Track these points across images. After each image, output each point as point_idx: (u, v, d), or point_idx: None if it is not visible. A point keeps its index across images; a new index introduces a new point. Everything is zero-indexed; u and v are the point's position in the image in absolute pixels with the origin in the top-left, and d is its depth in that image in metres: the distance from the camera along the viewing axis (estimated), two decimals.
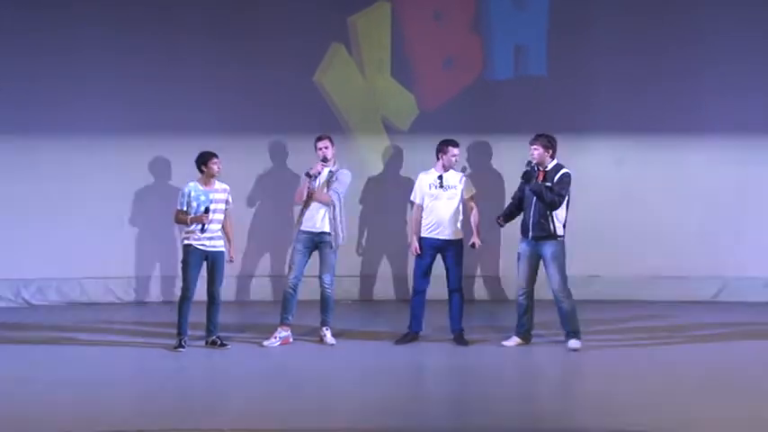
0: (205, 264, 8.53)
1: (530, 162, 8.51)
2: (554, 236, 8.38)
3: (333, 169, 8.70)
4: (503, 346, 8.54)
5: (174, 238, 10.72)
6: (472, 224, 8.74)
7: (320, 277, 8.67)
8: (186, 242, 8.50)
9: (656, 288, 11.07)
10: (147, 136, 11.06)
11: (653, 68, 11.16)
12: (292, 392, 7.10)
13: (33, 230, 10.89)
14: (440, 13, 11.38)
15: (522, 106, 11.15)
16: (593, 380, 7.54)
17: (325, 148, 8.66)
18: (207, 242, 8.47)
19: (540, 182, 8.38)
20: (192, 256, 8.46)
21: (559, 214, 8.39)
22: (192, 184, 8.52)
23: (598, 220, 10.89)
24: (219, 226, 8.56)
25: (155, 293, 11.17)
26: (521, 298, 8.56)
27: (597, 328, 9.15)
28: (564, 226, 8.45)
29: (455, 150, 8.71)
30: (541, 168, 8.48)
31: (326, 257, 8.65)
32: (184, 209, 8.47)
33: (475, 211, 8.75)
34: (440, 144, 8.78)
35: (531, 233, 8.42)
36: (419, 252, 8.63)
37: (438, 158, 8.75)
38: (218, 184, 8.57)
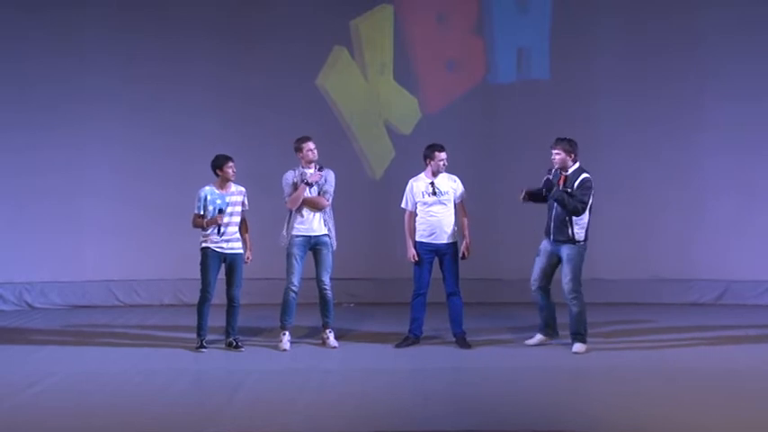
0: (224, 267, 8.55)
1: (550, 169, 8.48)
2: (573, 240, 8.38)
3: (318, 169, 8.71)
4: (526, 344, 8.62)
5: (175, 241, 10.72)
6: (463, 231, 8.68)
7: (320, 279, 8.65)
8: (204, 245, 8.51)
9: (658, 291, 11.07)
10: (149, 139, 11.09)
11: (655, 71, 11.15)
12: (293, 396, 7.08)
13: (36, 234, 10.91)
14: (442, 16, 11.39)
15: (525, 109, 11.15)
16: (592, 383, 7.51)
17: (313, 150, 8.65)
18: (224, 245, 8.48)
19: (560, 188, 8.35)
20: (209, 259, 8.47)
21: (581, 219, 8.38)
22: (207, 188, 8.53)
23: (598, 222, 10.87)
24: (237, 228, 8.57)
25: (157, 297, 11.17)
26: (534, 294, 8.60)
27: (598, 331, 9.13)
28: (586, 231, 8.43)
29: (442, 155, 8.61)
30: (563, 173, 8.44)
31: (325, 258, 8.65)
32: (201, 213, 8.47)
33: (466, 219, 8.71)
34: (426, 149, 8.70)
35: (552, 236, 8.44)
36: (417, 259, 8.63)
37: (426, 164, 8.71)
38: (234, 187, 8.59)
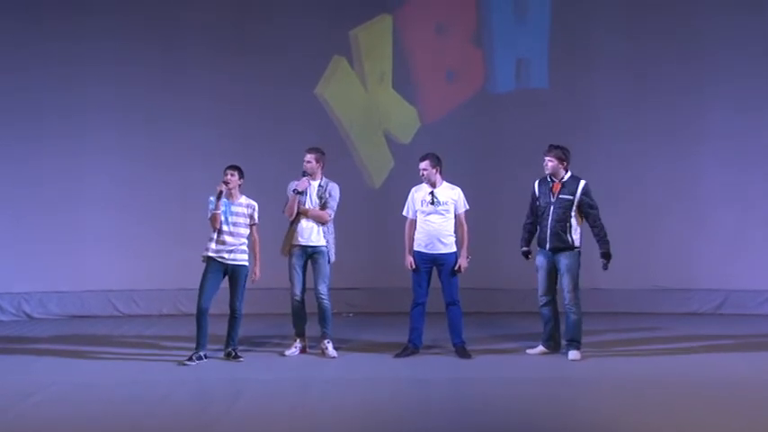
0: (227, 278, 8.52)
1: (527, 241, 8.60)
2: (571, 247, 8.43)
3: (322, 183, 8.71)
4: (526, 353, 8.64)
5: (174, 251, 10.72)
6: (462, 243, 8.66)
7: (316, 289, 8.67)
8: (204, 254, 8.48)
9: (658, 301, 11.06)
10: (148, 149, 11.08)
11: (654, 81, 11.17)
12: (293, 405, 7.07)
13: (34, 244, 10.89)
14: (441, 26, 11.41)
15: (524, 119, 11.16)
16: (592, 392, 7.49)
17: (308, 162, 8.68)
18: (226, 255, 8.45)
19: (555, 195, 8.41)
20: (209, 267, 8.45)
21: (577, 224, 8.45)
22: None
23: None
24: (242, 240, 8.52)
25: (156, 307, 11.15)
26: (542, 309, 8.63)
27: (599, 340, 9.13)
28: (581, 236, 8.49)
29: (420, 165, 8.61)
30: (557, 180, 8.49)
31: (321, 268, 8.67)
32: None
33: (465, 229, 8.68)
34: None
35: (548, 244, 8.47)
36: (414, 267, 8.62)
37: None
38: (243, 199, 8.58)
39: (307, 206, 8.66)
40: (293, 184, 8.70)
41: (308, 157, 8.72)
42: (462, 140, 11.13)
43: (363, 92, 11.42)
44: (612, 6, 11.34)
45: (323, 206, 8.68)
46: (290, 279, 8.70)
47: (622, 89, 11.25)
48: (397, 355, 8.63)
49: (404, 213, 8.75)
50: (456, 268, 8.61)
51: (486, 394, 7.38)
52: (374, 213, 11.03)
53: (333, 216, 8.72)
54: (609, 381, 7.80)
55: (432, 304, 8.72)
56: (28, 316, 10.95)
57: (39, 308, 11.02)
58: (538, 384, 7.67)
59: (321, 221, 8.66)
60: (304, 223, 8.65)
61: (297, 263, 8.67)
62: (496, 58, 11.36)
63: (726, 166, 11.14)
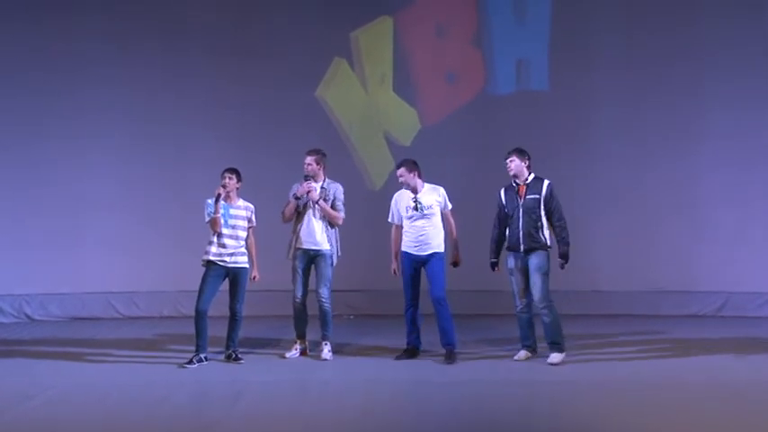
0: (228, 280, 8.53)
1: (495, 252, 8.49)
2: (544, 246, 8.40)
3: (324, 185, 8.71)
4: (514, 360, 8.54)
5: (174, 253, 10.72)
6: (451, 241, 8.66)
7: (317, 291, 8.68)
8: (205, 257, 8.47)
9: (658, 303, 11.05)
10: (149, 152, 11.10)
11: (654, 82, 11.18)
12: (293, 407, 7.08)
13: (35, 246, 10.91)
14: (442, 28, 11.42)
15: (524, 120, 11.16)
16: (592, 395, 7.49)
17: (308, 164, 8.67)
18: (227, 258, 8.45)
19: (523, 199, 8.35)
20: (209, 271, 8.44)
21: (546, 224, 8.41)
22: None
23: (598, 234, 10.88)
24: (241, 243, 8.54)
25: (157, 309, 11.16)
26: (522, 313, 8.56)
27: (598, 342, 9.13)
28: (551, 236, 8.45)
29: (397, 172, 8.64)
30: (520, 182, 8.46)
31: (323, 271, 8.67)
32: (213, 216, 8.46)
33: (452, 226, 8.68)
34: None
35: (522, 246, 8.40)
36: (397, 273, 8.64)
37: None
38: (241, 202, 8.59)
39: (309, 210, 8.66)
40: (296, 188, 8.70)
41: (309, 159, 8.69)
42: (463, 142, 11.13)
43: (364, 94, 11.43)
44: (612, 6, 11.35)
45: (332, 209, 8.69)
46: (293, 281, 8.72)
47: (622, 89, 11.26)
48: (398, 358, 8.64)
49: (389, 220, 8.77)
50: (453, 262, 8.59)
51: (485, 396, 7.38)
52: (375, 215, 10.94)
53: (343, 215, 8.73)
54: (608, 383, 7.79)
55: (431, 306, 8.72)
56: (29, 318, 10.97)
57: (40, 310, 11.03)
58: (537, 386, 7.68)
59: (333, 221, 8.69)
60: (307, 226, 8.66)
61: (299, 266, 8.68)
62: (497, 59, 11.37)
63: (726, 166, 11.13)
